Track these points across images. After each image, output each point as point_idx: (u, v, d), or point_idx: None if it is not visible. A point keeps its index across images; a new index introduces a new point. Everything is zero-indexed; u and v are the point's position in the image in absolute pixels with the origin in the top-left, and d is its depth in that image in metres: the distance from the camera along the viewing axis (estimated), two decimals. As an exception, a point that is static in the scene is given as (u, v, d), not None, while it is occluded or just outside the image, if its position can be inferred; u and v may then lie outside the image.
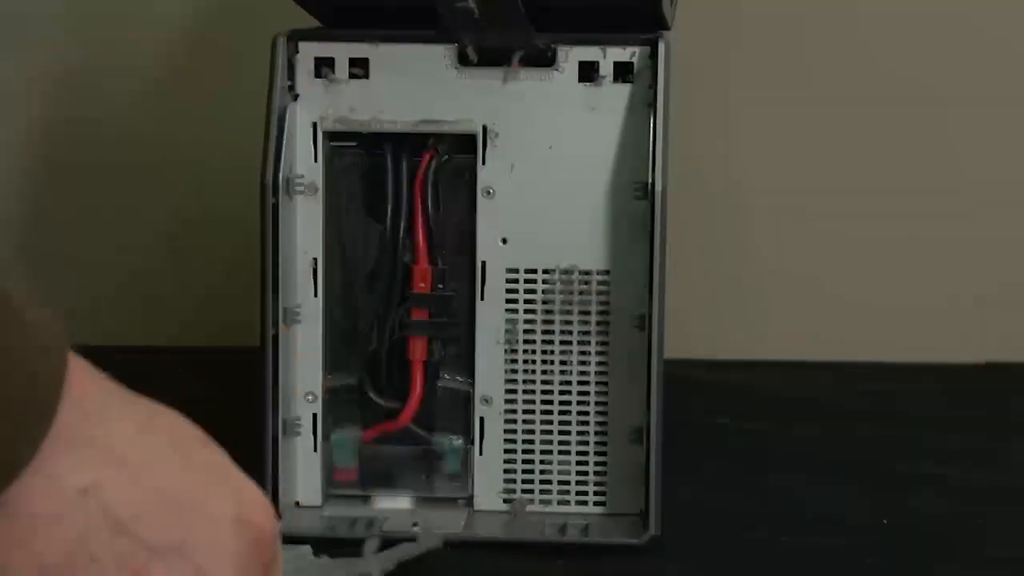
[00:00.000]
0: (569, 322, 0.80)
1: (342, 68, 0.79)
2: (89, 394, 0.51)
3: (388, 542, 0.74)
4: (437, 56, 0.79)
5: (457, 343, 0.81)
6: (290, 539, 0.78)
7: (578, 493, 0.81)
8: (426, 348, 0.80)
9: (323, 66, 0.79)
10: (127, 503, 0.51)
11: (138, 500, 0.51)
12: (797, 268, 1.15)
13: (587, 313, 0.80)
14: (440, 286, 0.80)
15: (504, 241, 0.80)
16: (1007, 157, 1.14)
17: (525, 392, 0.80)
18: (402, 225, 0.79)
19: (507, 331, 0.80)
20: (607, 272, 0.79)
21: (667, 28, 0.82)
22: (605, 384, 0.80)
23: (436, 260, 0.79)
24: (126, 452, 0.51)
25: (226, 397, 0.84)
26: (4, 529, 0.49)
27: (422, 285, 0.79)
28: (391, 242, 0.79)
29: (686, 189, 1.07)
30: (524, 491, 0.81)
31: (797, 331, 1.14)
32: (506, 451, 0.81)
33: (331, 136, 0.80)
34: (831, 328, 1.14)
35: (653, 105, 0.77)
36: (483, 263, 0.80)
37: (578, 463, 0.81)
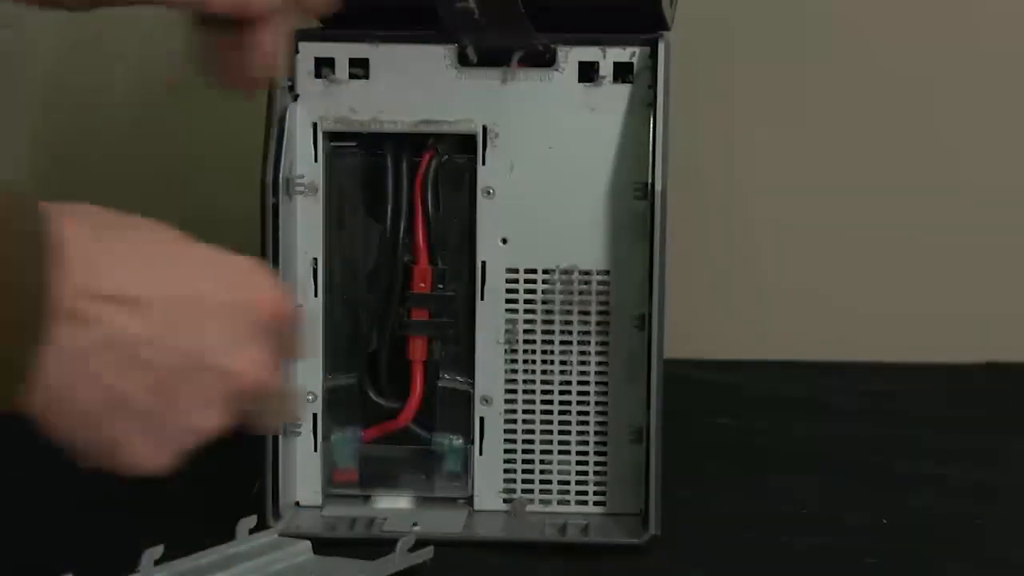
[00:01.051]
0: (569, 322, 0.80)
1: (342, 68, 0.79)
2: (78, 255, 0.54)
3: (420, 542, 0.74)
4: (437, 56, 0.79)
5: (457, 343, 0.81)
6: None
7: (578, 493, 0.81)
8: (426, 348, 0.80)
9: (323, 66, 0.79)
10: (142, 341, 0.55)
11: (151, 332, 0.55)
12: (797, 268, 1.15)
13: (587, 313, 0.80)
14: (440, 286, 0.80)
15: (504, 241, 0.80)
16: (1006, 158, 1.14)
17: (525, 392, 0.80)
18: (402, 225, 0.79)
19: (507, 331, 0.80)
20: (607, 272, 0.79)
21: (667, 28, 0.82)
22: (605, 384, 0.80)
23: (436, 260, 0.80)
24: (128, 293, 0.55)
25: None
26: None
27: (422, 285, 0.79)
28: (391, 242, 0.79)
29: (687, 189, 1.07)
30: (524, 491, 0.81)
31: (798, 331, 1.15)
32: (506, 451, 0.81)
33: (331, 136, 0.80)
34: (831, 328, 1.14)
35: (653, 105, 0.77)
36: (483, 263, 0.80)
37: (578, 463, 0.81)
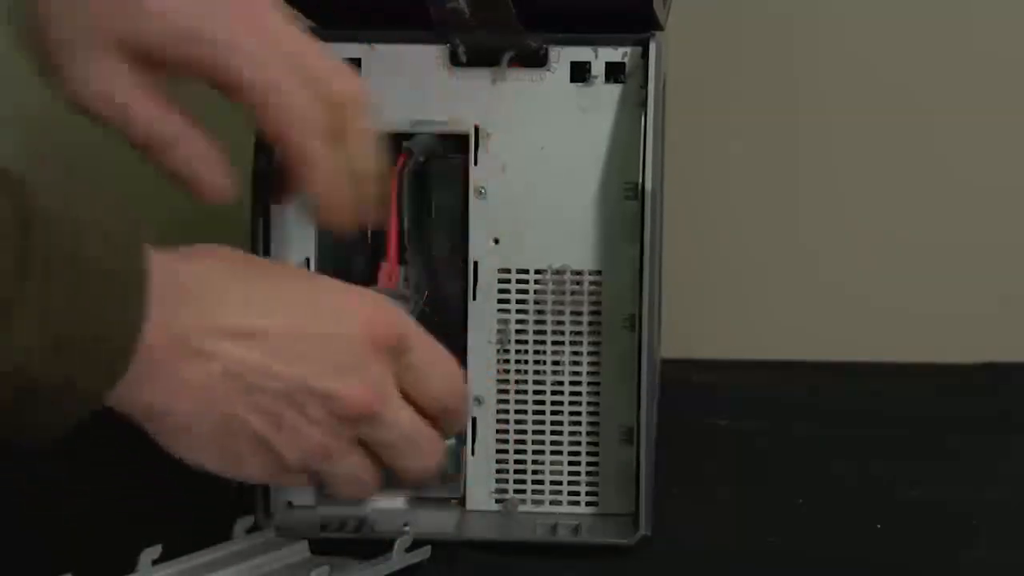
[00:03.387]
0: (561, 322, 0.80)
1: (335, 68, 0.79)
2: (201, 293, 0.61)
3: (417, 542, 0.75)
4: (429, 56, 0.79)
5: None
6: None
7: (570, 493, 0.81)
8: None
9: (315, 66, 0.79)
10: (254, 369, 0.61)
11: (262, 361, 0.62)
12: (796, 268, 1.15)
13: (579, 313, 0.80)
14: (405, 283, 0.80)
15: (496, 241, 0.80)
16: (1006, 159, 1.13)
17: (517, 392, 0.80)
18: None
19: (499, 331, 0.80)
20: (599, 272, 0.79)
21: (660, 29, 0.81)
22: (597, 384, 0.80)
23: (406, 260, 0.79)
24: (245, 327, 0.62)
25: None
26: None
27: (387, 282, 0.79)
28: (373, 242, 0.80)
29: (682, 189, 1.07)
30: (516, 491, 0.81)
31: (797, 331, 1.14)
32: (498, 451, 0.81)
33: (324, 136, 0.80)
34: (830, 328, 1.14)
35: (644, 105, 0.77)
36: (475, 263, 0.80)
37: (570, 463, 0.81)
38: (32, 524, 0.83)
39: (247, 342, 0.61)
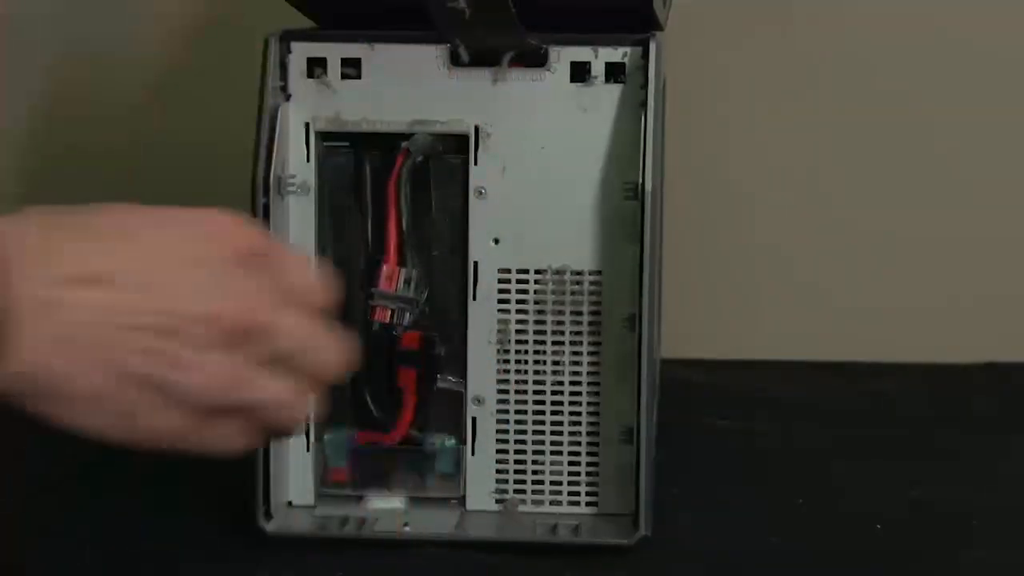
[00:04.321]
0: (561, 322, 0.80)
1: (334, 68, 0.79)
2: (31, 250, 0.56)
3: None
4: (429, 56, 0.79)
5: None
6: (284, 539, 0.79)
7: (570, 493, 0.81)
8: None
9: (315, 66, 0.79)
10: (119, 311, 0.57)
11: (124, 301, 0.57)
12: (796, 269, 1.15)
13: (579, 313, 0.80)
14: (405, 284, 0.80)
15: (496, 241, 0.80)
16: (1007, 157, 1.13)
17: (517, 392, 0.80)
18: (371, 224, 0.79)
19: (499, 331, 0.80)
20: (599, 272, 0.79)
21: (660, 29, 0.82)
22: (597, 384, 0.80)
23: (407, 261, 0.79)
24: (89, 270, 0.57)
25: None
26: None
27: (387, 284, 0.79)
28: (374, 243, 0.80)
29: (683, 189, 1.07)
30: (516, 491, 0.81)
31: (796, 331, 1.14)
32: (498, 451, 0.81)
33: (324, 136, 0.80)
34: (830, 328, 1.14)
35: (644, 105, 0.77)
36: (475, 263, 0.80)
37: (570, 463, 0.81)
38: (28, 526, 0.83)
39: (99, 285, 0.57)
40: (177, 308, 0.58)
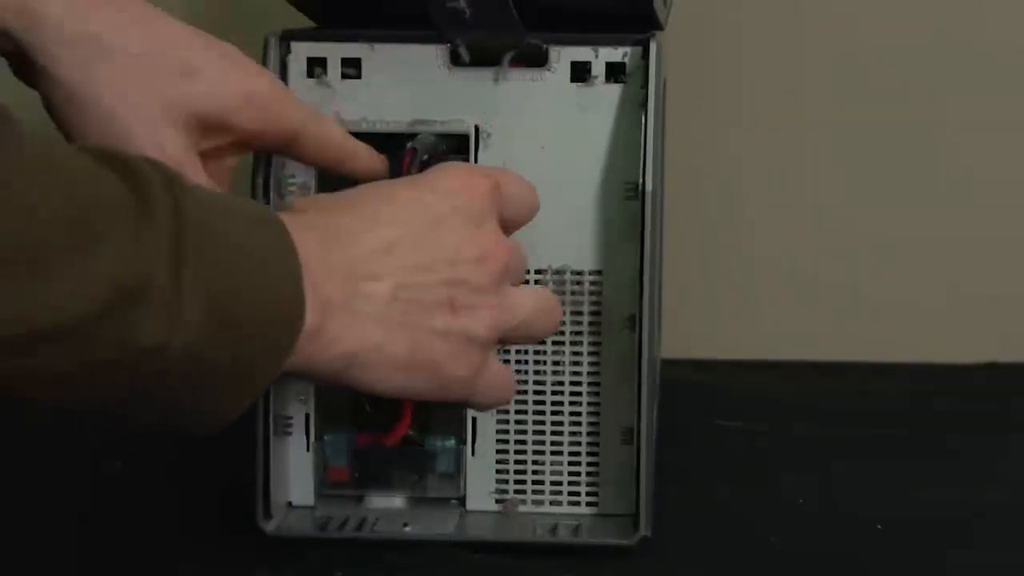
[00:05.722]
0: (561, 322, 0.80)
1: (334, 68, 0.79)
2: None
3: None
4: (429, 56, 0.79)
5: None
6: (283, 539, 0.79)
7: (570, 494, 0.81)
8: None
9: (315, 66, 0.79)
10: (409, 271, 0.65)
11: (410, 262, 0.65)
12: (796, 269, 1.15)
13: (579, 313, 0.80)
14: None
15: (496, 241, 0.79)
16: (1008, 156, 1.13)
17: (518, 392, 0.80)
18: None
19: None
20: (599, 272, 0.79)
21: (661, 29, 0.82)
22: (597, 384, 0.80)
23: None
24: (377, 244, 0.65)
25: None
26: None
27: None
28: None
29: (683, 189, 1.07)
30: (516, 491, 0.81)
31: (797, 331, 1.14)
32: (498, 451, 0.81)
33: (323, 136, 0.80)
34: (830, 328, 1.14)
35: (644, 105, 0.77)
36: (476, 263, 0.80)
37: (570, 464, 0.81)
38: (27, 526, 0.83)
39: (391, 253, 0.64)
40: (458, 257, 0.66)
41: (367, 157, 0.76)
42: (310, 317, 0.60)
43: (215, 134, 0.70)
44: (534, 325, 0.70)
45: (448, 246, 0.66)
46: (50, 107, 0.68)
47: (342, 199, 0.67)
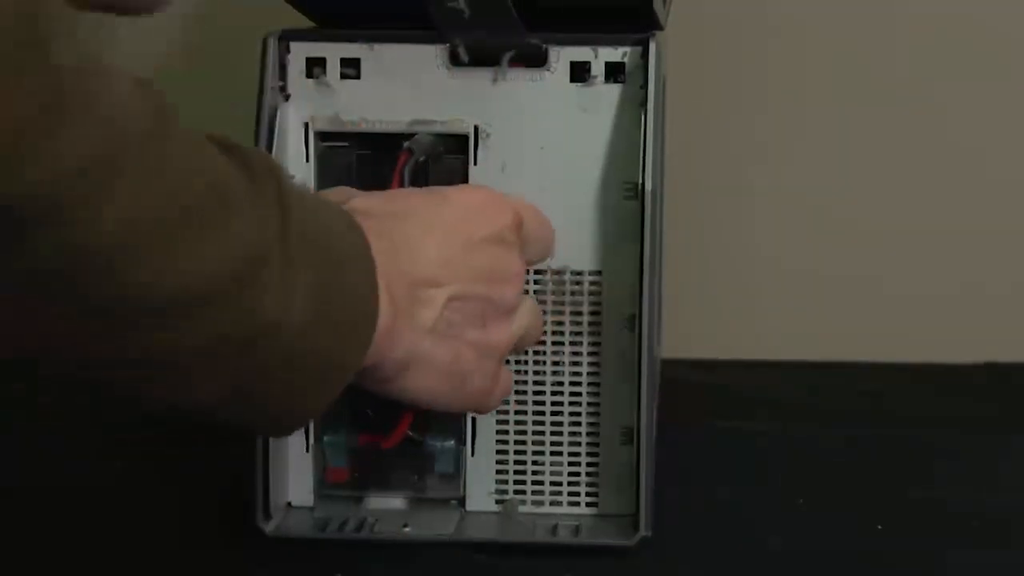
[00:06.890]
0: (561, 323, 0.80)
1: (333, 68, 0.79)
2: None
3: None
4: (429, 56, 0.78)
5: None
6: (283, 540, 0.79)
7: (570, 494, 0.81)
8: None
9: (314, 66, 0.79)
10: (463, 284, 0.69)
11: (464, 276, 0.69)
12: (796, 269, 1.15)
13: (579, 313, 0.80)
14: None
15: (496, 241, 0.79)
16: (1008, 156, 1.13)
17: (517, 392, 0.80)
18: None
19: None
20: (599, 272, 0.79)
21: (660, 28, 0.81)
22: (597, 385, 0.80)
23: None
24: (437, 257, 0.69)
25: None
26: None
27: None
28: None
29: (683, 189, 1.07)
30: (516, 492, 0.81)
31: (797, 331, 1.14)
32: (498, 452, 0.81)
33: (323, 136, 0.80)
34: (830, 328, 1.14)
35: (644, 105, 0.77)
36: (475, 263, 0.80)
37: (570, 464, 0.81)
38: (26, 527, 0.83)
39: (449, 264, 0.68)
40: (494, 276, 0.70)
41: None
42: (383, 317, 0.63)
43: None
44: (527, 337, 0.75)
45: (488, 265, 0.70)
46: None
47: (396, 205, 0.70)
